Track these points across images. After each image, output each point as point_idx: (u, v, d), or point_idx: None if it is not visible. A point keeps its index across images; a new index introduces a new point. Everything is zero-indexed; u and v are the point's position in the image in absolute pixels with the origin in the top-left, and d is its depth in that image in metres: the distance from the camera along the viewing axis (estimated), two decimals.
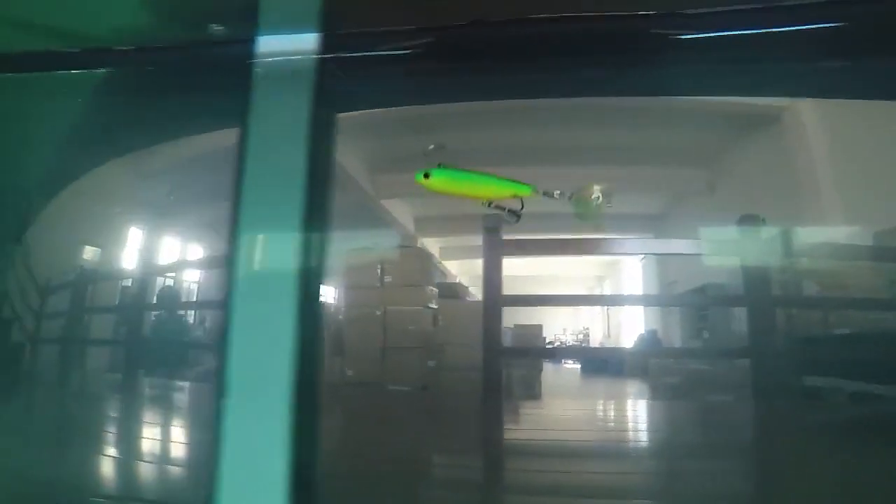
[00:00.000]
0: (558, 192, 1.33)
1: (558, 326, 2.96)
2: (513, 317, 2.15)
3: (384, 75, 1.26)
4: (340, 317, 2.03)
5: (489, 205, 1.26)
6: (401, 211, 3.37)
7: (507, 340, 1.85)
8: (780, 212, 2.32)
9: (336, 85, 1.01)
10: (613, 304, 2.40)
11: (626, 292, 3.13)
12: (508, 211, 1.24)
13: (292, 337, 0.90)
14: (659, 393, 2.10)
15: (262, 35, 1.01)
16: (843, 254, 1.94)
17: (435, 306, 2.07)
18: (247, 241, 0.96)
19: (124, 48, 1.31)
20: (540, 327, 2.27)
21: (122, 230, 2.33)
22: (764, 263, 2.10)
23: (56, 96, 1.58)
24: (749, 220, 2.02)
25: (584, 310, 3.03)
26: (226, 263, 0.97)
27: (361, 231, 2.58)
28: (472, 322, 1.86)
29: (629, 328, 2.92)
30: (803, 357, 1.82)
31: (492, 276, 1.70)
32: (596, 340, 2.98)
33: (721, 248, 2.11)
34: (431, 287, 2.07)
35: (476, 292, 2.35)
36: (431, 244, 3.15)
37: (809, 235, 2.05)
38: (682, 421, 1.88)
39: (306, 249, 0.93)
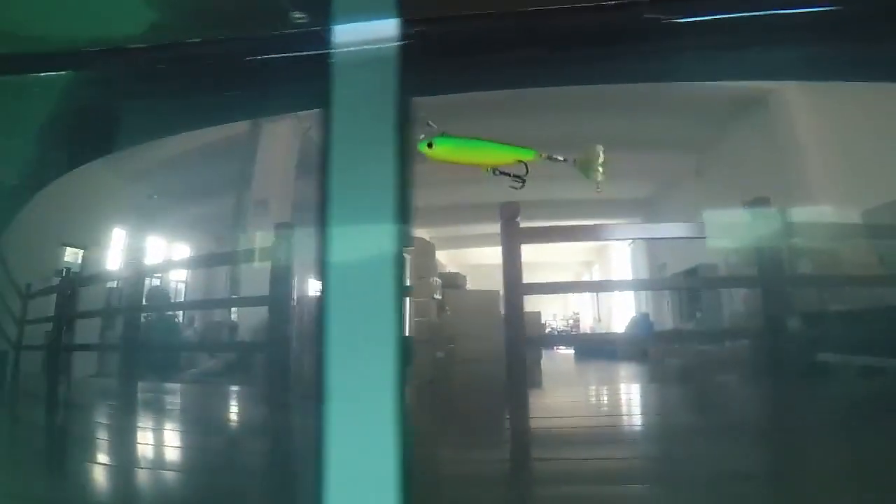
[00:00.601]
0: (562, 157, 1.34)
1: (548, 312, 2.97)
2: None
3: (465, 60, 1.24)
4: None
5: (494, 172, 1.25)
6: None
7: (501, 328, 1.85)
8: (769, 194, 2.36)
9: (417, 71, 0.98)
10: (638, 289, 2.40)
11: (615, 277, 3.15)
12: (513, 176, 1.23)
13: (394, 331, 0.87)
14: (666, 375, 2.12)
15: (338, 24, 0.98)
16: (835, 233, 1.99)
17: (440, 297, 2.04)
18: (338, 235, 0.92)
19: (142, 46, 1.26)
20: (539, 314, 2.28)
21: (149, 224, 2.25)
22: (759, 244, 2.15)
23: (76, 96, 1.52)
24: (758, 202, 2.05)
25: (573, 294, 3.05)
26: (318, 259, 0.94)
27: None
28: (481, 312, 1.84)
29: (620, 312, 2.95)
30: (805, 334, 1.86)
31: (511, 265, 1.68)
32: (587, 325, 3.01)
33: (721, 231, 2.14)
34: (436, 278, 2.04)
35: (472, 282, 2.34)
36: (423, 234, 3.12)
37: (800, 216, 2.09)
38: (692, 403, 1.90)
39: (400, 239, 0.90)
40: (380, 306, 0.88)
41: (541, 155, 1.18)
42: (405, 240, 0.88)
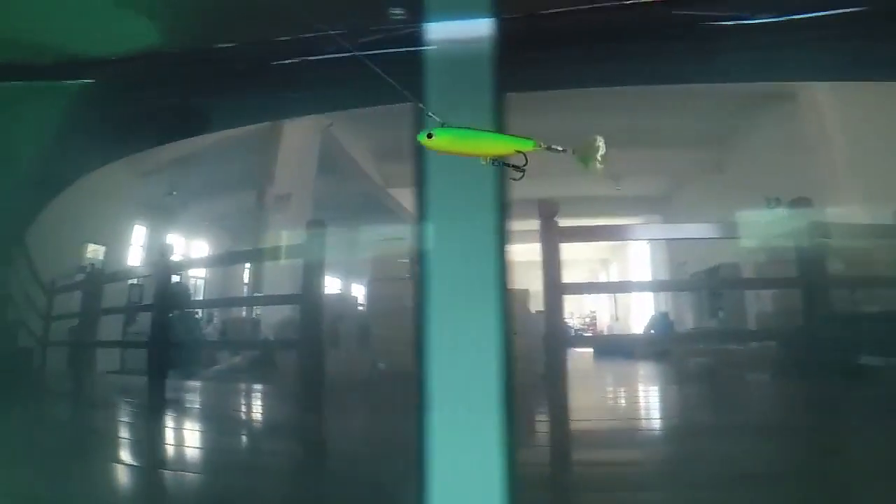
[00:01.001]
0: (561, 147, 1.34)
1: (565, 311, 2.94)
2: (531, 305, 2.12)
3: (556, 56, 1.23)
4: (368, 309, 1.99)
5: (493, 162, 1.25)
6: (407, 200, 3.33)
7: (542, 327, 1.83)
8: (794, 192, 2.33)
9: (510, 67, 0.98)
10: (681, 290, 2.35)
11: (632, 275, 3.13)
12: (512, 166, 1.22)
13: (497, 334, 0.85)
14: (691, 375, 2.10)
15: (432, 21, 0.98)
16: (867, 232, 1.96)
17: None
18: (437, 235, 0.91)
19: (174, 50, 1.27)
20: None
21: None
22: (786, 243, 2.11)
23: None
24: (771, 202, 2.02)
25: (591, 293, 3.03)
26: (417, 260, 0.93)
27: (387, 222, 2.54)
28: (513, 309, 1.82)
29: (638, 311, 2.92)
30: (837, 335, 1.83)
31: (550, 264, 1.66)
32: (603, 324, 2.99)
33: (750, 230, 2.11)
34: None
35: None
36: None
37: (828, 215, 2.06)
38: (721, 402, 1.88)
39: (501, 239, 0.89)
40: (482, 303, 0.86)
41: (540, 145, 1.18)
42: (506, 236, 0.86)
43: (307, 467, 1.67)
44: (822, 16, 1.39)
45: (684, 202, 2.83)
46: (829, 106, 2.28)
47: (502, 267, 0.87)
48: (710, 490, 1.45)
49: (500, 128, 0.91)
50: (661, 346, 2.59)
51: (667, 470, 1.57)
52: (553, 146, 1.32)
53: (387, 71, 1.12)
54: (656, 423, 1.94)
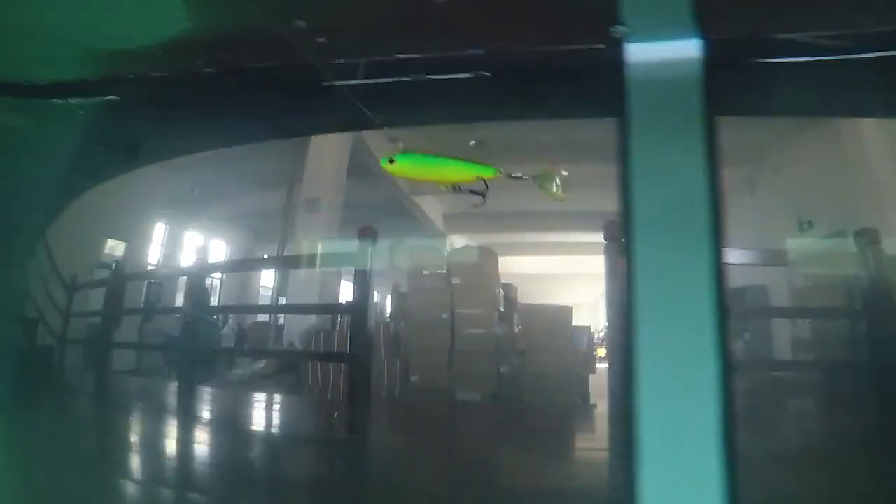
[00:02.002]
0: (519, 173, 1.33)
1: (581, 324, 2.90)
2: None
3: (764, 81, 1.20)
4: (403, 321, 1.95)
5: (454, 188, 1.23)
6: (431, 207, 3.30)
7: (579, 342, 1.79)
8: (831, 215, 2.28)
9: (720, 90, 0.95)
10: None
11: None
12: (471, 192, 1.21)
13: (715, 347, 0.80)
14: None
15: (633, 42, 0.95)
16: None
17: (503, 309, 1.99)
18: (647, 246, 0.87)
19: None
20: (589, 328, 2.21)
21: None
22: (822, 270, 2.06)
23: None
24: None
25: (603, 308, 2.99)
26: (622, 275, 0.89)
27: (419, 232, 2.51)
28: (556, 327, 1.79)
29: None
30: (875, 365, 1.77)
31: (616, 285, 1.62)
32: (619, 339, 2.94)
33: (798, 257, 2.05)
34: (500, 289, 1.99)
35: (522, 294, 2.27)
36: (458, 241, 3.07)
37: (870, 243, 2.00)
38: (775, 427, 1.80)
39: (716, 258, 0.85)
40: (696, 318, 0.82)
41: (500, 172, 1.17)
42: (721, 254, 0.82)
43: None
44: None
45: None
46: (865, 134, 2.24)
47: (720, 282, 0.82)
48: None
49: (710, 152, 0.88)
50: None
51: None
52: (514, 174, 1.31)
53: (587, 90, 1.10)
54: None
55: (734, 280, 2.63)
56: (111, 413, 2.00)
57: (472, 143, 2.30)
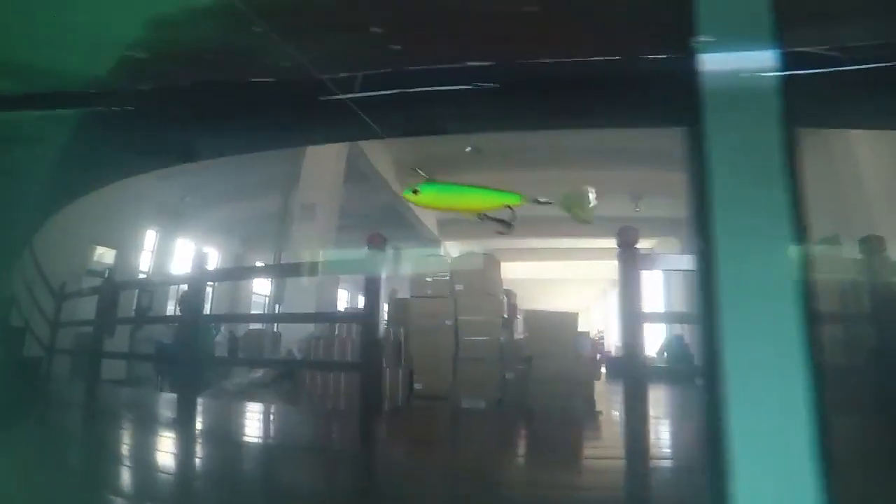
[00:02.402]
0: (544, 198, 1.32)
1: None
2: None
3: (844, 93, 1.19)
4: (405, 328, 1.92)
5: (480, 217, 1.22)
6: (425, 213, 3.28)
7: (584, 348, 1.79)
8: (831, 220, 2.30)
9: (799, 102, 0.94)
10: None
11: (645, 295, 3.10)
12: (500, 221, 1.20)
13: (802, 357, 0.79)
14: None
15: (709, 52, 0.94)
16: None
17: (506, 315, 1.98)
18: (729, 255, 0.85)
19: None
20: (589, 333, 2.21)
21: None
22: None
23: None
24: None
25: (597, 313, 2.99)
26: (701, 283, 0.87)
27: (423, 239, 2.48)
28: (560, 333, 1.78)
29: (650, 333, 2.88)
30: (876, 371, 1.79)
31: (630, 290, 1.62)
32: (611, 344, 2.95)
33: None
34: (503, 295, 1.98)
35: (522, 299, 2.26)
36: (452, 248, 3.06)
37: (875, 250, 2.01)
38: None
39: (802, 261, 0.83)
40: (782, 328, 0.81)
41: (527, 198, 1.16)
42: (806, 263, 0.81)
43: None
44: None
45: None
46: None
47: (805, 290, 0.81)
48: None
49: (791, 165, 0.87)
50: (678, 370, 2.53)
51: None
52: (540, 199, 1.30)
53: (663, 99, 1.10)
54: None
55: None
56: (103, 426, 1.94)
57: (468, 149, 2.29)
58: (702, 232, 0.89)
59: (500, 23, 1.13)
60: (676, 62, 0.99)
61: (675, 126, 1.03)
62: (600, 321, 3.04)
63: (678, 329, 2.84)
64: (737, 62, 0.95)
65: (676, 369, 2.62)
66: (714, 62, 0.95)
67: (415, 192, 1.16)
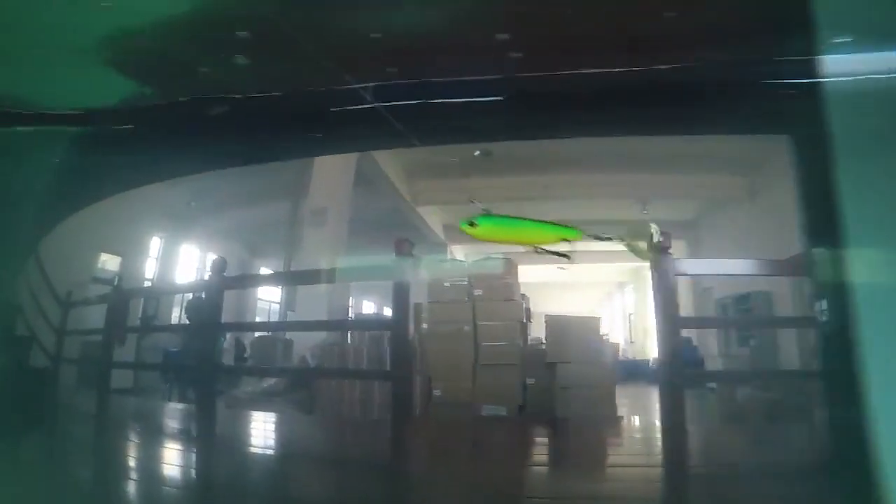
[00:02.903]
0: (608, 235, 1.30)
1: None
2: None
3: None
4: (421, 334, 1.89)
5: (536, 249, 1.20)
6: (431, 217, 3.27)
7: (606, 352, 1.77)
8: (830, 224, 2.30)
9: None
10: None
11: (650, 298, 3.09)
12: (559, 254, 1.19)
13: None
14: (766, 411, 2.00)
15: (828, 54, 0.93)
16: None
17: (525, 320, 1.96)
18: (861, 270, 0.83)
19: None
20: (607, 338, 2.18)
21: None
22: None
23: None
24: None
25: (605, 314, 2.97)
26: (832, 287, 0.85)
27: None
28: (584, 338, 1.76)
29: (655, 335, 2.87)
30: None
31: (665, 295, 1.60)
32: (624, 348, 2.93)
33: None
34: (522, 300, 1.96)
35: (535, 303, 2.24)
36: (458, 251, 3.04)
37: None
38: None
39: None
40: None
41: (586, 234, 1.15)
42: None
43: None
44: None
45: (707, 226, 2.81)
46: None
47: None
48: None
49: None
50: (685, 374, 2.50)
51: None
52: (600, 235, 1.28)
53: (783, 99, 1.08)
54: None
55: (737, 286, 2.61)
56: (115, 437, 1.90)
57: (476, 153, 2.27)
58: (829, 239, 0.88)
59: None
60: (797, 65, 0.99)
61: (792, 131, 1.02)
62: (608, 324, 3.03)
63: (686, 332, 2.83)
64: (861, 64, 0.95)
65: (687, 373, 2.62)
66: (836, 64, 0.95)
67: (472, 224, 1.14)
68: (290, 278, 2.15)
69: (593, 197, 2.95)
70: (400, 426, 1.60)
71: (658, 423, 1.79)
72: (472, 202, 1.23)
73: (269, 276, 2.23)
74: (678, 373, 1.57)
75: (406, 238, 1.82)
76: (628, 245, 1.26)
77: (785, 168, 2.62)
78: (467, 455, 1.63)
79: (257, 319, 2.28)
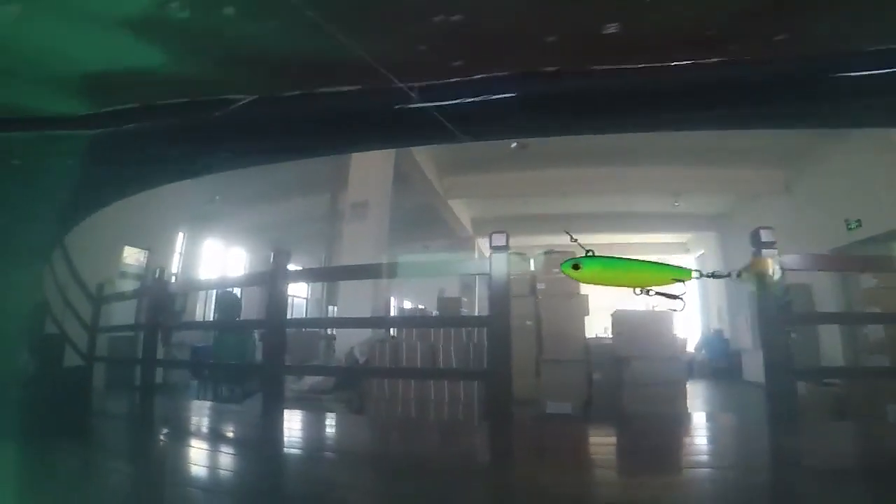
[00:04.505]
0: (727, 272, 1.24)
1: (599, 326, 2.82)
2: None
3: None
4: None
5: (647, 292, 1.14)
6: (459, 211, 3.22)
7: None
8: (877, 213, 2.27)
9: None
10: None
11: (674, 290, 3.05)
12: (671, 296, 1.13)
13: None
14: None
15: None
16: None
17: (589, 315, 1.91)
18: None
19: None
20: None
21: None
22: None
23: None
24: None
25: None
26: None
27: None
28: (656, 334, 1.71)
29: (685, 328, 2.83)
30: None
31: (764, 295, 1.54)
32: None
33: None
34: (584, 294, 1.91)
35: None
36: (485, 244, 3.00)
37: None
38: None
39: None
40: None
41: (698, 274, 1.10)
42: None
43: None
44: None
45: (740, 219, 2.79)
46: None
47: None
48: None
49: None
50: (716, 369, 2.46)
51: None
52: (717, 272, 1.22)
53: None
54: None
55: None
56: (154, 437, 1.83)
57: (513, 145, 2.21)
58: None
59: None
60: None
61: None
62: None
63: (716, 324, 2.79)
64: None
65: (719, 366, 2.58)
66: None
67: (576, 267, 1.08)
68: (352, 273, 2.08)
69: (626, 191, 2.92)
70: (503, 427, 1.53)
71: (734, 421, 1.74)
72: (573, 240, 1.16)
73: (332, 269, 2.16)
74: (782, 372, 1.52)
75: (502, 230, 1.75)
76: (749, 281, 1.21)
77: (822, 160, 2.60)
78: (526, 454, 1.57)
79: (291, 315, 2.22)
